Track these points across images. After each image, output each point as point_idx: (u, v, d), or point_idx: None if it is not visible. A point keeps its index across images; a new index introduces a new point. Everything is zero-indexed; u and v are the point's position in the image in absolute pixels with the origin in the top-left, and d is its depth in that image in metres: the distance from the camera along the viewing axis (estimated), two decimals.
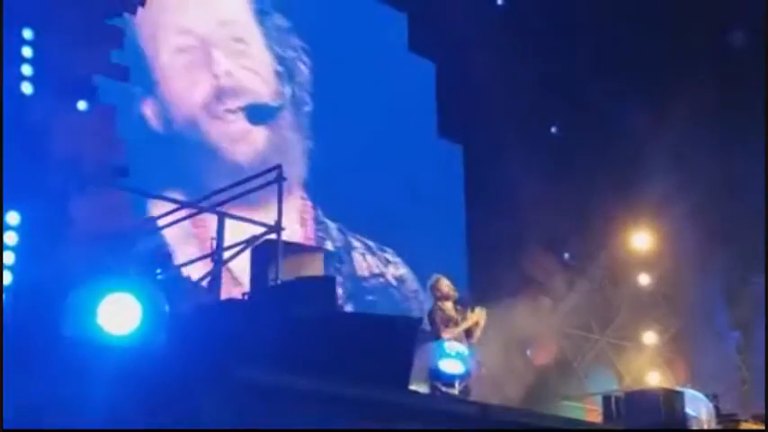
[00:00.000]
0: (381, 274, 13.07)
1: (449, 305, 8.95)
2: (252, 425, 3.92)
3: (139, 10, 9.56)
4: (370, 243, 13.10)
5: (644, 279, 16.02)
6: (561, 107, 15.28)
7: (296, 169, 11.92)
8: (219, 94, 11.60)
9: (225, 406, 3.86)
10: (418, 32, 14.49)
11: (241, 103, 11.73)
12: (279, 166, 8.27)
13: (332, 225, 12.78)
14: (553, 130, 16.19)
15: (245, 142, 11.67)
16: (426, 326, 8.60)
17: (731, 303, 16.20)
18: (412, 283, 13.32)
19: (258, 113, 11.86)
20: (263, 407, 3.95)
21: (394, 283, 13.25)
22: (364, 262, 12.96)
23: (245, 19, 12.35)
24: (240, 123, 11.74)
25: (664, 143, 14.39)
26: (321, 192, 12.66)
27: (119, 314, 4.56)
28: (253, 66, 12.17)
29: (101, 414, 3.61)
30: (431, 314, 8.91)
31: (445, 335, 8.49)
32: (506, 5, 15.73)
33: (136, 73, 9.52)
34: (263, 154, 11.59)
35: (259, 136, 11.88)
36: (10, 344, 3.74)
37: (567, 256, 15.15)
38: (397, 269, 13.28)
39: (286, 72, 12.64)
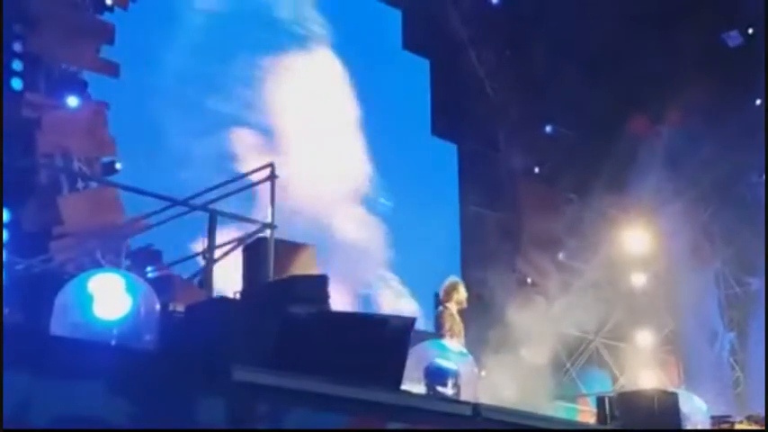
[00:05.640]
0: None
1: (456, 310, 8.53)
2: (244, 425, 3.86)
3: None
4: None
5: (638, 279, 15.99)
6: (556, 106, 15.25)
7: None
8: None
9: (218, 405, 3.80)
10: (412, 30, 14.44)
11: None
12: (271, 164, 8.17)
13: None
14: (548, 129, 16.17)
15: None
16: (420, 326, 8.39)
17: (725, 304, 16.20)
18: None
19: None
20: (256, 406, 3.89)
21: None
22: None
23: None
24: None
25: (658, 144, 14.38)
26: None
27: (108, 299, 4.54)
28: None
29: (93, 414, 3.55)
30: (441, 316, 8.50)
31: (452, 343, 8.11)
32: (501, 5, 15.70)
33: None
34: None
35: None
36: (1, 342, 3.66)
37: (561, 255, 15.12)
38: None
39: None
